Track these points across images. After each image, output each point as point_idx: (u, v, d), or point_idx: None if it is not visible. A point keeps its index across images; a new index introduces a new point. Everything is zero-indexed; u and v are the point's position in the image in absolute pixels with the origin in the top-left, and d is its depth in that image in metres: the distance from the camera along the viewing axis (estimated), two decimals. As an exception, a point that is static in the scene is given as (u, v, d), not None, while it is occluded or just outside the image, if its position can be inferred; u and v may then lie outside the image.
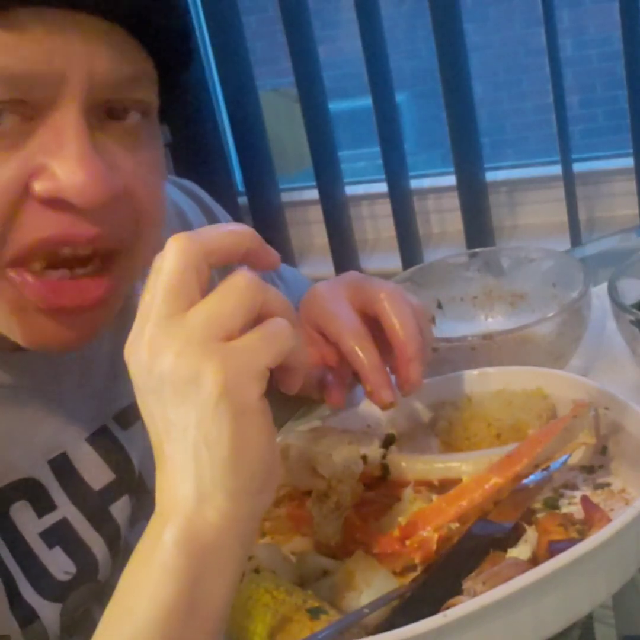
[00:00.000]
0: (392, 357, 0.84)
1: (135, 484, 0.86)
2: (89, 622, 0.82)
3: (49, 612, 0.79)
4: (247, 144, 2.39)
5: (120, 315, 0.78)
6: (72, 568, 0.81)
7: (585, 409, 0.80)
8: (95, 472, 0.84)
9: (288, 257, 2.45)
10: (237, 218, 2.40)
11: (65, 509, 0.81)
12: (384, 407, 0.82)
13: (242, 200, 2.45)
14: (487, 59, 3.72)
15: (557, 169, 2.21)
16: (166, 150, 2.52)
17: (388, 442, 0.90)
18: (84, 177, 0.66)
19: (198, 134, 2.37)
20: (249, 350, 0.60)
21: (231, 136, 2.43)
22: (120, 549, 0.84)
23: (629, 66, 2.07)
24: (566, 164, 2.19)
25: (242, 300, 0.61)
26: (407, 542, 0.74)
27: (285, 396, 0.98)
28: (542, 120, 3.16)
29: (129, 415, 0.87)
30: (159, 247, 0.64)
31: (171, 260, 0.61)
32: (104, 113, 0.70)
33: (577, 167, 2.23)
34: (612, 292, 1.05)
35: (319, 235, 2.44)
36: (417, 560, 0.73)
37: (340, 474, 0.82)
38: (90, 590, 0.82)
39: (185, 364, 0.59)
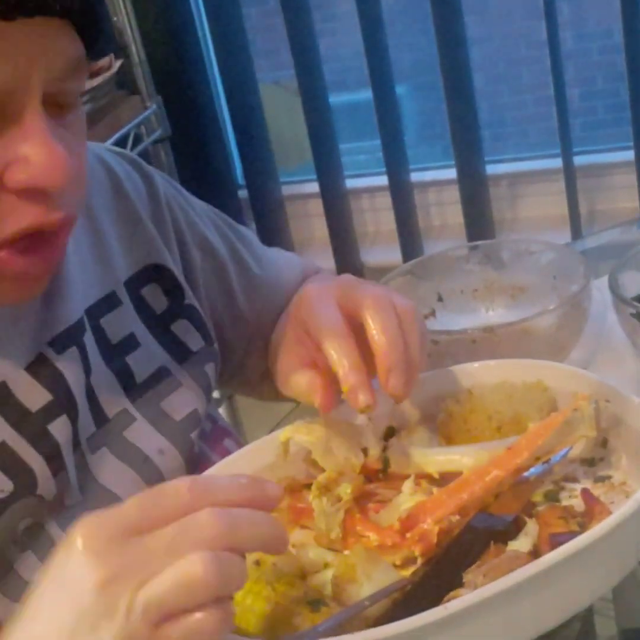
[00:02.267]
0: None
1: (72, 405, 0.88)
2: (44, 537, 0.85)
3: None
4: (247, 136, 2.38)
5: None
6: (8, 486, 0.83)
7: (586, 402, 0.80)
8: (33, 395, 0.86)
9: (288, 250, 2.44)
10: (237, 211, 2.40)
11: (2, 432, 0.84)
12: (360, 410, 0.81)
13: (243, 193, 2.44)
14: (487, 51, 3.71)
15: (557, 162, 2.21)
16: (166, 143, 2.51)
17: (388, 434, 0.90)
18: (53, 160, 0.73)
19: (198, 126, 2.36)
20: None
21: (231, 129, 2.43)
22: (63, 465, 0.86)
23: (629, 59, 2.07)
24: (567, 157, 2.19)
25: (194, 590, 0.60)
26: (408, 535, 0.74)
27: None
28: (542, 113, 3.15)
29: (63, 341, 0.89)
30: None
31: (202, 531, 0.62)
32: (52, 102, 0.75)
33: (578, 160, 2.23)
34: (613, 284, 1.05)
35: (320, 228, 2.44)
36: (417, 553, 0.73)
37: (341, 466, 0.82)
38: (31, 505, 0.84)
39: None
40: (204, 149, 2.38)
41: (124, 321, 0.97)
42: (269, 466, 0.87)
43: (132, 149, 2.12)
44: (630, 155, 2.17)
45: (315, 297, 0.90)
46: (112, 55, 2.09)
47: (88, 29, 0.76)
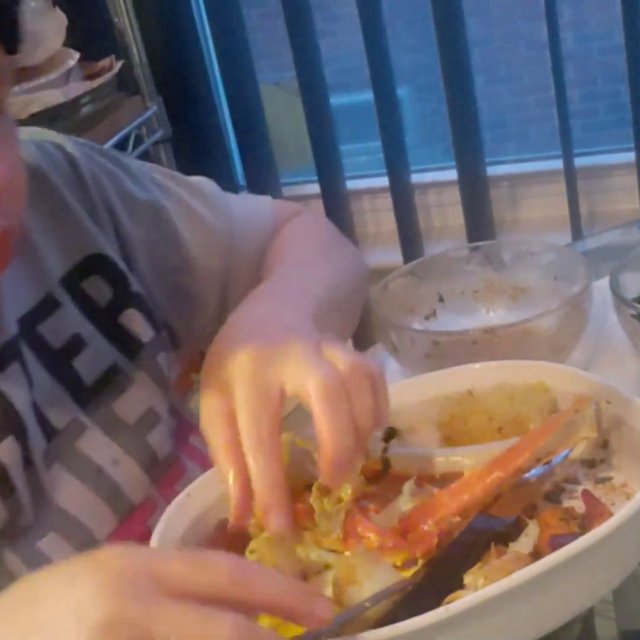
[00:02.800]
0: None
1: (19, 425, 0.84)
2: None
3: None
4: (248, 138, 2.38)
5: None
6: None
7: (587, 403, 0.80)
8: None
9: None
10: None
11: None
12: (273, 534, 0.73)
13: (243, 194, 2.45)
14: (488, 53, 3.72)
15: (558, 163, 2.21)
16: (167, 144, 2.51)
17: (389, 435, 0.90)
18: None
19: (199, 127, 2.36)
20: None
21: (232, 130, 2.43)
22: (12, 489, 0.83)
23: (630, 60, 2.07)
24: (567, 158, 2.19)
25: None
26: (408, 536, 0.74)
27: None
28: (543, 115, 3.16)
29: (4, 358, 0.85)
30: None
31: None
32: None
33: (579, 162, 2.23)
34: (614, 285, 1.05)
35: (320, 230, 2.44)
36: (418, 554, 0.73)
37: (342, 467, 0.82)
38: None
39: None
40: (205, 150, 2.38)
41: (66, 323, 0.92)
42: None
43: (133, 150, 2.12)
44: (630, 156, 2.17)
45: (247, 368, 0.75)
46: (113, 56, 2.10)
47: (7, 34, 0.74)
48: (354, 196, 2.44)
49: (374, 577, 0.70)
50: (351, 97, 3.02)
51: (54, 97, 1.86)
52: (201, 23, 2.36)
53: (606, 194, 2.32)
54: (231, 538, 0.79)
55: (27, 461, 0.84)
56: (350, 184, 2.42)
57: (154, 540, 0.76)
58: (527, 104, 3.91)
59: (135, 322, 0.96)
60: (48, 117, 1.85)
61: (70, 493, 0.87)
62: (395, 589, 0.70)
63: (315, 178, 2.36)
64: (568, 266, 1.14)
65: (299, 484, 0.86)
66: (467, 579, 0.68)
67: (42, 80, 1.87)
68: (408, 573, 0.73)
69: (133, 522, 0.90)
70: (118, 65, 2.08)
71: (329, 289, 0.94)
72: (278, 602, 0.58)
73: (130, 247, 0.99)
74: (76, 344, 0.92)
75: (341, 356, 0.74)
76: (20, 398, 0.85)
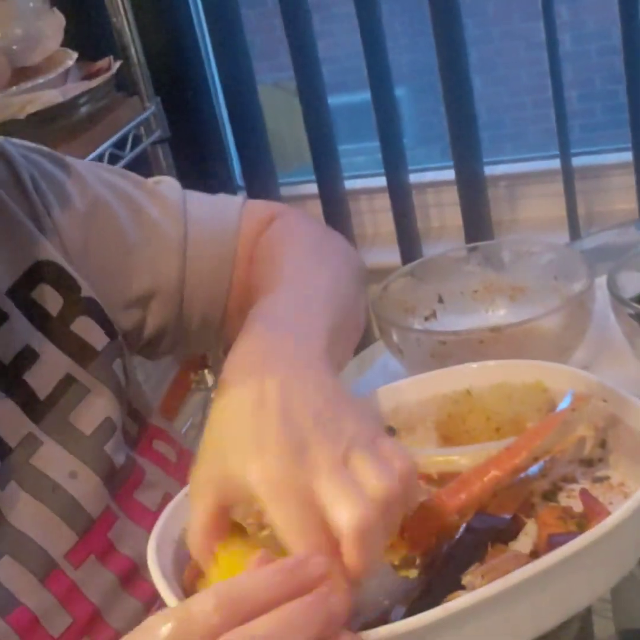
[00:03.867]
0: None
1: None
2: None
3: None
4: (246, 138, 2.38)
5: None
6: None
7: (585, 402, 0.80)
8: None
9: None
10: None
11: None
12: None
13: (242, 194, 2.44)
14: (486, 53, 3.72)
15: (556, 163, 2.21)
16: (165, 145, 2.51)
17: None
18: None
19: (197, 128, 2.37)
20: None
21: (230, 130, 2.43)
22: None
23: (627, 61, 2.07)
24: (565, 158, 2.19)
25: None
26: (406, 535, 0.74)
27: None
28: (541, 115, 3.15)
29: None
30: None
31: None
32: None
33: (576, 162, 2.23)
34: (612, 285, 1.05)
35: (318, 230, 2.44)
36: (416, 553, 0.73)
37: (340, 467, 0.82)
38: None
39: None
40: (203, 150, 2.38)
41: (15, 336, 0.88)
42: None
43: (131, 150, 2.12)
44: (628, 156, 2.17)
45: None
46: (111, 56, 2.09)
47: None
48: (352, 196, 2.44)
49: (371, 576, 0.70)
50: (349, 97, 3.02)
51: (52, 97, 1.86)
52: (199, 23, 2.36)
53: (604, 193, 2.32)
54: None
55: None
56: (348, 184, 2.42)
57: (151, 541, 0.76)
58: (524, 104, 3.91)
59: (88, 329, 0.93)
60: (46, 117, 1.85)
61: (25, 513, 0.84)
62: (396, 588, 0.71)
63: (313, 178, 2.36)
64: (568, 265, 1.14)
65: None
66: (466, 578, 0.68)
67: (40, 80, 1.86)
68: (406, 571, 0.73)
69: (92, 536, 0.88)
70: (116, 65, 2.08)
71: (335, 302, 0.88)
72: (274, 602, 0.57)
73: (74, 250, 0.96)
74: (27, 357, 0.88)
75: (377, 480, 0.63)
76: None
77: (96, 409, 0.91)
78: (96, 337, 0.93)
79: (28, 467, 0.86)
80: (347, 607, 0.58)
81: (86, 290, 0.93)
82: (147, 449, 0.98)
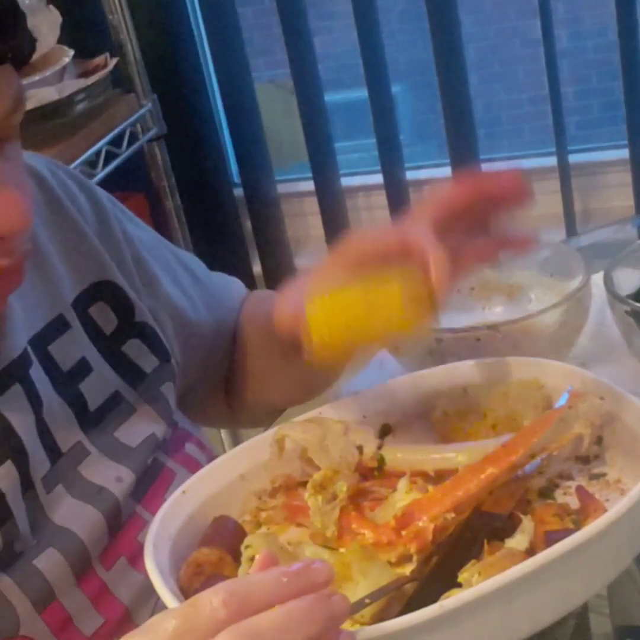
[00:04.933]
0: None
1: (19, 448, 0.84)
2: None
3: None
4: (243, 135, 2.38)
5: None
6: None
7: (581, 400, 0.81)
8: None
9: (284, 248, 2.44)
10: (233, 209, 2.40)
11: None
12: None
13: (238, 192, 2.44)
14: (482, 50, 3.71)
15: (552, 160, 2.21)
16: (161, 142, 2.50)
17: (384, 432, 0.90)
18: (12, 207, 0.72)
19: (193, 125, 2.36)
20: None
21: (227, 128, 2.42)
22: (8, 515, 0.82)
23: (624, 57, 2.07)
24: (562, 155, 2.19)
25: None
26: (403, 532, 0.74)
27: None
28: (537, 112, 3.15)
29: (3, 380, 0.85)
30: None
31: None
32: None
33: (573, 159, 2.22)
34: (608, 282, 1.05)
35: (315, 227, 2.44)
36: (412, 550, 0.74)
37: (336, 464, 0.82)
38: None
39: None
40: (200, 147, 2.37)
41: (74, 345, 0.92)
42: (263, 464, 0.87)
43: (127, 147, 2.12)
44: (624, 153, 2.17)
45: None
46: (107, 53, 2.09)
47: (25, 61, 0.74)
48: (349, 193, 2.44)
49: (368, 573, 0.71)
50: (346, 95, 3.02)
51: (48, 94, 1.85)
52: (196, 21, 2.35)
53: (600, 190, 2.32)
54: (227, 534, 0.80)
55: (27, 486, 0.84)
56: (345, 181, 2.42)
57: (148, 540, 0.76)
58: (521, 101, 3.91)
59: (138, 352, 0.97)
60: (42, 115, 1.84)
61: (73, 512, 0.87)
62: (393, 586, 0.71)
63: (310, 175, 2.36)
64: (564, 262, 1.14)
65: (294, 481, 0.86)
66: (462, 575, 0.69)
67: (37, 77, 1.86)
68: (403, 569, 0.73)
69: (123, 538, 0.90)
70: (112, 62, 2.08)
71: None
72: (280, 601, 0.58)
73: (152, 288, 1.01)
74: (83, 368, 0.92)
75: None
76: (22, 421, 0.84)
77: (141, 427, 0.94)
78: (146, 360, 0.97)
79: (75, 473, 0.89)
80: (347, 609, 0.60)
81: (141, 315, 0.97)
82: (179, 452, 1.00)
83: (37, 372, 0.87)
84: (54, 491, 0.87)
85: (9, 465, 0.83)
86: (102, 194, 1.01)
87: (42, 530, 0.85)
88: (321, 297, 0.81)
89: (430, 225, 0.84)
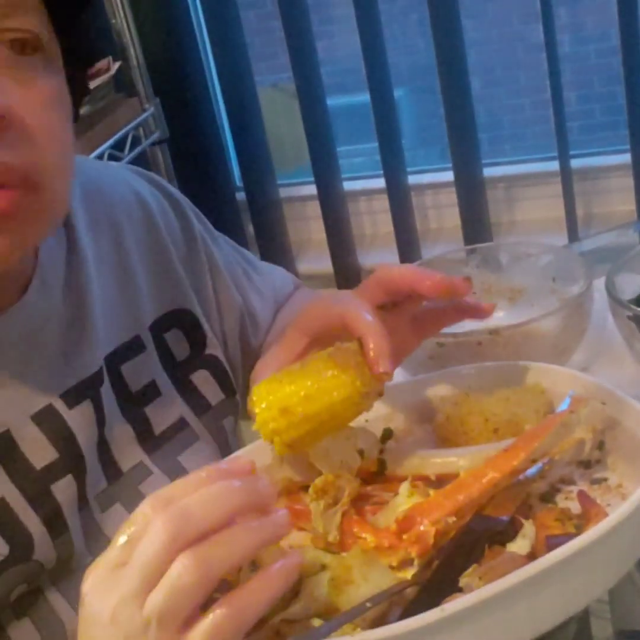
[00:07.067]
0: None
1: (80, 464, 0.85)
2: (42, 604, 0.82)
3: None
4: (245, 139, 2.39)
5: (64, 297, 0.84)
6: (4, 549, 0.79)
7: (583, 404, 0.80)
8: (38, 450, 0.82)
9: (286, 252, 2.45)
10: (235, 213, 2.40)
11: (3, 487, 0.80)
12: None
13: (240, 195, 2.45)
14: (485, 54, 3.72)
15: (554, 165, 2.22)
16: (164, 146, 2.51)
17: (385, 437, 0.90)
18: None
19: (196, 129, 2.36)
20: None
21: (229, 132, 2.43)
22: (64, 529, 0.83)
23: (626, 62, 2.07)
24: (564, 160, 2.19)
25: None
26: (404, 537, 0.74)
27: None
28: (539, 116, 3.16)
29: (76, 395, 0.85)
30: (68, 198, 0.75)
31: (154, 545, 0.61)
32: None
33: (575, 163, 2.23)
34: (610, 287, 1.05)
35: (317, 231, 2.44)
36: (414, 555, 0.73)
37: (338, 469, 0.82)
38: (27, 572, 0.81)
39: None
40: (202, 151, 2.38)
41: (146, 368, 0.94)
42: (266, 468, 0.87)
43: (130, 151, 2.12)
44: (626, 158, 2.18)
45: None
46: (110, 57, 2.10)
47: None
48: (351, 197, 2.44)
49: (370, 577, 0.71)
50: (348, 99, 3.03)
51: (51, 98, 1.86)
52: (198, 25, 2.36)
53: (602, 195, 2.32)
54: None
55: (83, 502, 0.85)
56: (347, 186, 2.42)
57: None
58: (523, 105, 3.92)
59: (205, 383, 0.98)
60: (45, 119, 1.85)
61: None
62: (394, 590, 0.71)
63: (312, 179, 2.36)
64: (566, 267, 1.14)
65: (295, 485, 0.86)
66: (463, 580, 0.68)
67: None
68: (404, 573, 0.73)
69: None
70: (115, 66, 2.08)
71: None
72: (225, 517, 0.61)
73: (220, 310, 1.03)
74: (151, 391, 0.93)
75: None
76: (86, 437, 0.85)
77: (203, 455, 0.95)
78: (212, 392, 0.98)
79: (136, 492, 0.89)
80: (271, 490, 0.63)
81: (212, 347, 0.99)
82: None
83: (106, 390, 0.88)
84: (110, 510, 0.87)
85: (69, 479, 0.84)
86: (191, 210, 1.03)
87: (100, 549, 0.84)
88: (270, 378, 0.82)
89: (370, 304, 0.84)
